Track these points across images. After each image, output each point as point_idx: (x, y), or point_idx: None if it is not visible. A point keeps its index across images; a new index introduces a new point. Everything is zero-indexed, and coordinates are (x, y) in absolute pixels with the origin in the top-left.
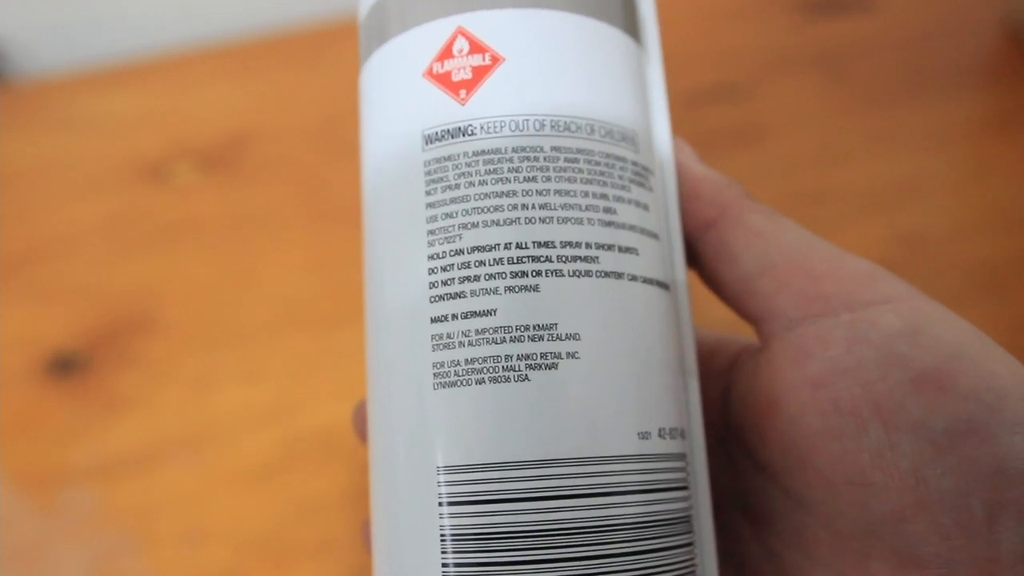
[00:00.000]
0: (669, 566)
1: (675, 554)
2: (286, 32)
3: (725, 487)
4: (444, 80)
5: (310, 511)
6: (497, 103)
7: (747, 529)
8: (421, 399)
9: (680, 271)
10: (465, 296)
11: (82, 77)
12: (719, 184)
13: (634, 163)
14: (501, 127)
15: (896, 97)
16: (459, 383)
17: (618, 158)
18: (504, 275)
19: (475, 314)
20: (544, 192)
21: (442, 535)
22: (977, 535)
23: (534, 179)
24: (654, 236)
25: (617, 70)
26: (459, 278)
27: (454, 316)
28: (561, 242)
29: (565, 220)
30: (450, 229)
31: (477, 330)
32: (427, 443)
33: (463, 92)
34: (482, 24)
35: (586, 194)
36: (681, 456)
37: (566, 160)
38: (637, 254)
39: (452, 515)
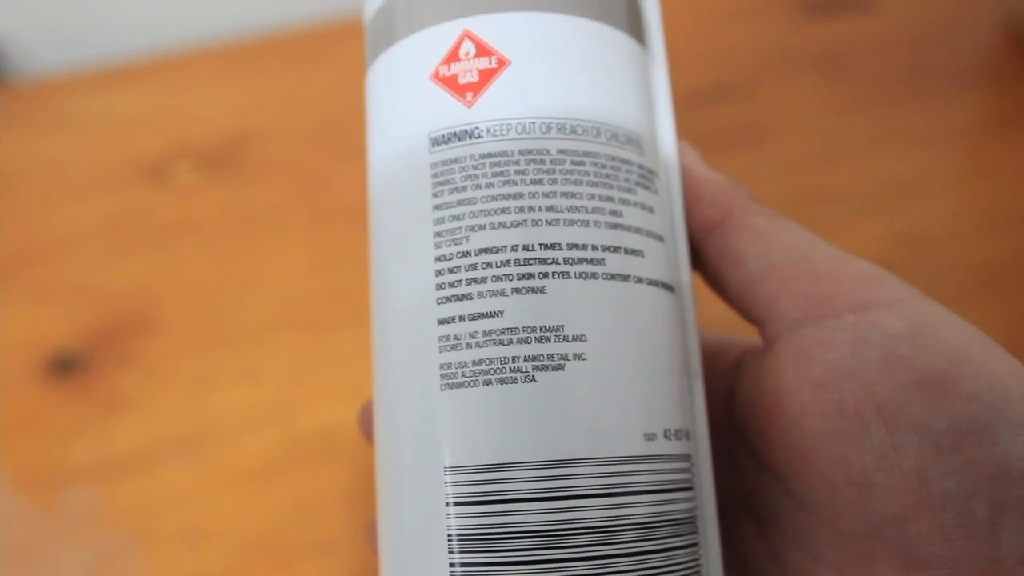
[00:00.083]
0: (674, 566)
1: (680, 554)
2: (286, 32)
3: (729, 488)
4: (451, 83)
5: (310, 511)
6: (504, 106)
7: (750, 530)
8: (428, 400)
9: (685, 273)
10: (472, 298)
11: (82, 77)
12: (723, 187)
13: (639, 166)
14: (508, 130)
15: (896, 97)
16: (466, 384)
17: (624, 161)
18: (511, 277)
19: (482, 315)
20: (551, 194)
21: (449, 535)
22: (980, 536)
23: (541, 181)
24: (659, 238)
25: (622, 73)
26: (466, 280)
27: (461, 317)
28: (568, 244)
29: (572, 222)
30: (457, 231)
31: (484, 331)
32: (434, 443)
33: (470, 95)
34: (489, 27)
35: (592, 196)
36: (686, 457)
37: (572, 163)
38: (643, 256)
39: (459, 515)
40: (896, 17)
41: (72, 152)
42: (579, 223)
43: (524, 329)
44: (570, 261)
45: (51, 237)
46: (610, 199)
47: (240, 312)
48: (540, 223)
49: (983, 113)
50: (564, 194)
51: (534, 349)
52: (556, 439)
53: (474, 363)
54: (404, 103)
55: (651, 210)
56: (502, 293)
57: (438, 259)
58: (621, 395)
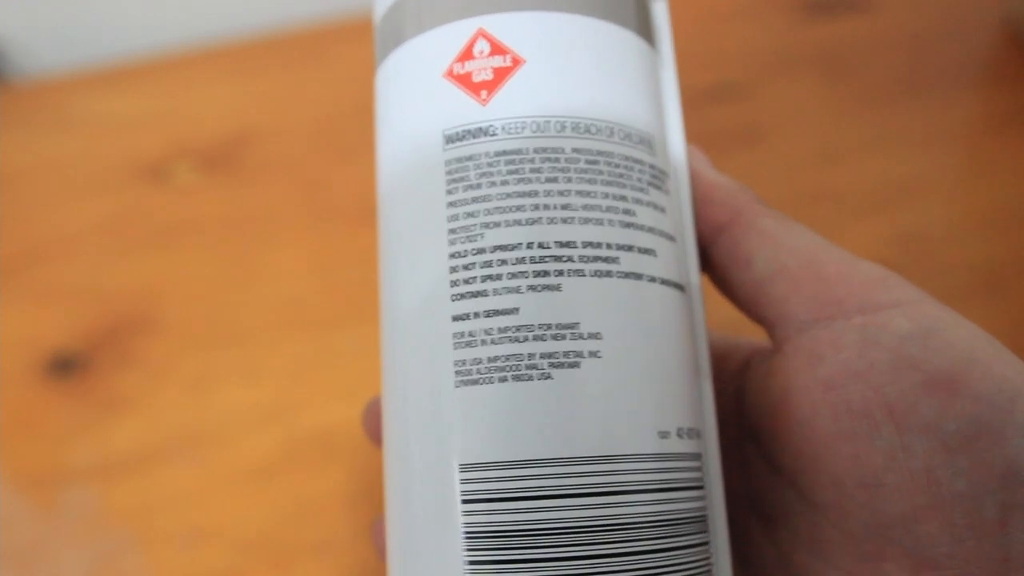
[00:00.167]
0: (685, 565)
1: (691, 553)
2: (286, 32)
3: (737, 488)
4: (465, 81)
5: (310, 511)
6: (519, 104)
7: (759, 530)
8: (441, 396)
9: (694, 274)
10: (487, 295)
11: (82, 77)
12: (732, 189)
13: (651, 166)
14: (522, 128)
15: (896, 97)
16: (481, 381)
17: (636, 160)
18: (526, 274)
19: (497, 312)
20: (565, 193)
21: (460, 533)
22: (989, 536)
23: (555, 180)
24: (671, 238)
25: (634, 74)
26: (481, 277)
27: (476, 314)
28: (583, 242)
29: (586, 221)
30: (471, 228)
31: (500, 328)
32: (446, 441)
33: (484, 93)
34: (503, 26)
35: (606, 195)
36: (697, 456)
37: (587, 162)
38: (655, 255)
39: (470, 512)
40: (896, 17)
41: (72, 152)
42: (593, 221)
43: (540, 326)
44: (585, 259)
45: (51, 237)
46: (623, 198)
47: (240, 312)
48: (555, 221)
49: (983, 113)
50: (579, 192)
51: (550, 346)
52: (570, 436)
53: (489, 360)
54: (417, 100)
55: (663, 210)
56: (517, 290)
57: (452, 256)
58: (635, 393)
